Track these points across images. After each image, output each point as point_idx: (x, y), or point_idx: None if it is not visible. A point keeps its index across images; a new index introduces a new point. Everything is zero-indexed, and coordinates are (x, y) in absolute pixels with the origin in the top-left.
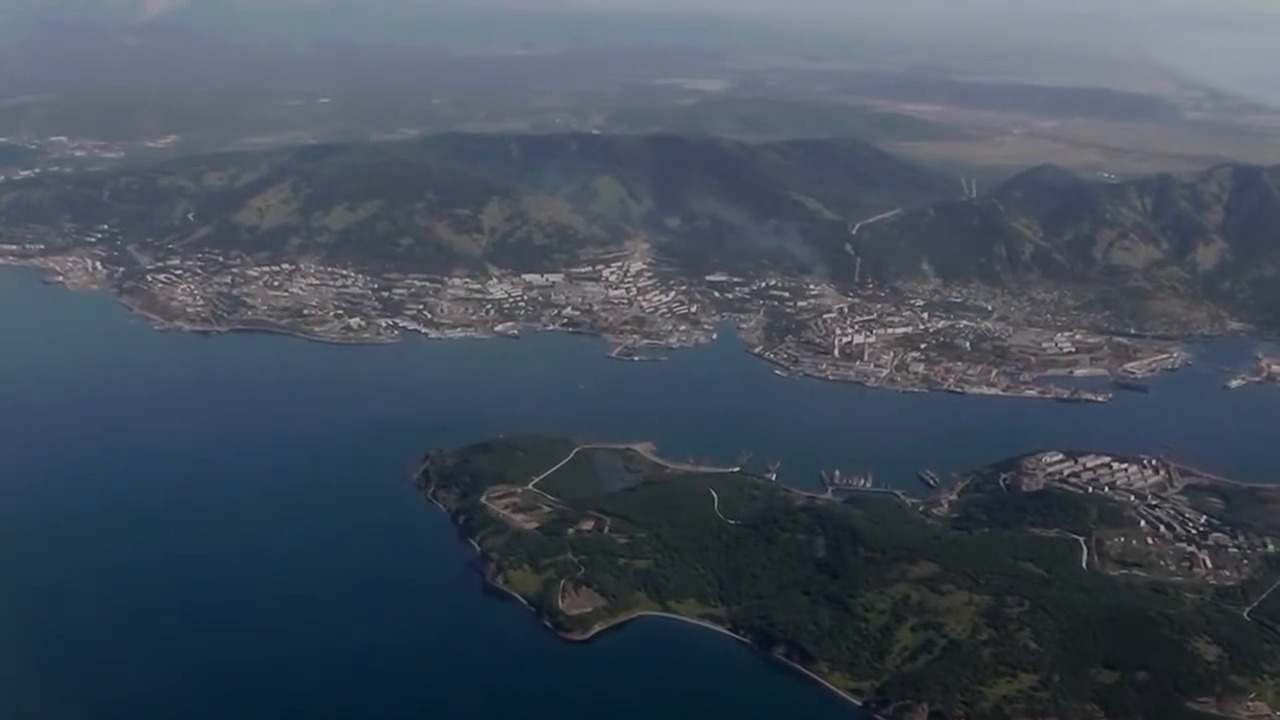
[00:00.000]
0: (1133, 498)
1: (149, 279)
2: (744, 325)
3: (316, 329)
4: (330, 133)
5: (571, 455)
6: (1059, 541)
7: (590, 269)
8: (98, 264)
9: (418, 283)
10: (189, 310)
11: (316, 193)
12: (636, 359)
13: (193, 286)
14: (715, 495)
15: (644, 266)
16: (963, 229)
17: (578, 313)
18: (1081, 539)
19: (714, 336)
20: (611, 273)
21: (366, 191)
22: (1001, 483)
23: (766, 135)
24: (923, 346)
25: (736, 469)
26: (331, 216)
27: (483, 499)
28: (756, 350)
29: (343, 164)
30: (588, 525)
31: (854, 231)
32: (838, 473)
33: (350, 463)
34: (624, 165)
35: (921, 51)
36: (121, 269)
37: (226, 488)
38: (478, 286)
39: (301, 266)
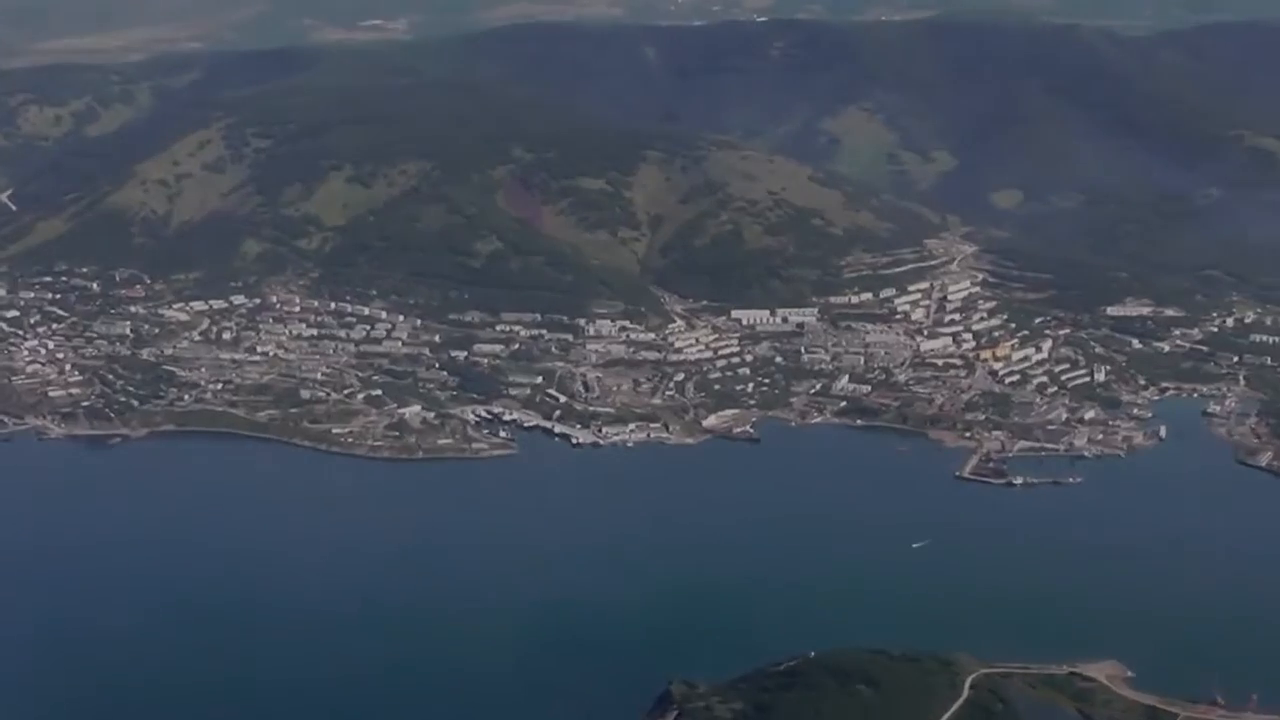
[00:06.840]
0: None
1: None
2: (1215, 408)
3: (336, 430)
4: (232, 27)
5: (965, 692)
6: None
7: (871, 297)
8: None
9: (523, 331)
10: (54, 395)
11: (279, 150)
12: (1016, 482)
13: (52, 345)
14: None
15: (974, 289)
16: None
17: (868, 388)
18: None
19: (1162, 433)
20: (916, 304)
21: (383, 148)
22: None
23: (1115, 18)
24: None
25: None
26: (320, 199)
27: None
28: (1263, 461)
29: (316, 90)
30: None
31: None
32: None
33: (520, 704)
34: (880, 84)
35: None
36: None
37: None
38: (648, 337)
39: (276, 300)
